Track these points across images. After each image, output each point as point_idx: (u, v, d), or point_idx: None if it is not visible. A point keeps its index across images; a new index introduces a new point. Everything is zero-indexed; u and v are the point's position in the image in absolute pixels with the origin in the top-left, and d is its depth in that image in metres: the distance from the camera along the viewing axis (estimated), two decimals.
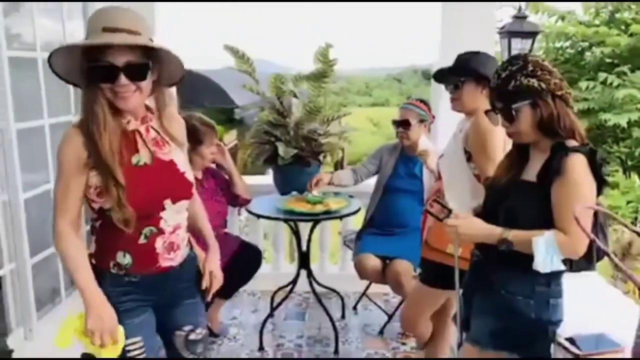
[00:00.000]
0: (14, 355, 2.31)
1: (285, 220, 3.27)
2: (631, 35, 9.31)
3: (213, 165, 3.21)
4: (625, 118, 8.77)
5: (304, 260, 3.35)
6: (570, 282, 1.73)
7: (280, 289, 3.54)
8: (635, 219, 7.64)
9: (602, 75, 9.10)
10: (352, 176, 3.38)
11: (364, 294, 3.71)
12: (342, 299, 3.67)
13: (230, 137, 12.52)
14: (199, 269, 1.78)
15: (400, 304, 3.30)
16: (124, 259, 1.61)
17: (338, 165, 5.46)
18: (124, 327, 1.57)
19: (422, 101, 3.18)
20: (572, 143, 1.61)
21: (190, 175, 1.70)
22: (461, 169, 2.29)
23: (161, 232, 1.63)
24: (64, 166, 1.54)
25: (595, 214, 1.59)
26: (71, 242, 1.55)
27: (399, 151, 3.28)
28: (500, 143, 2.09)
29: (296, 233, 3.34)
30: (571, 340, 1.67)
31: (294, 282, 3.38)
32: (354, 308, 3.74)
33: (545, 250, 1.56)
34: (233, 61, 3.39)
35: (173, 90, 1.75)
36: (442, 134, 3.36)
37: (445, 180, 2.37)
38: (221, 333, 3.35)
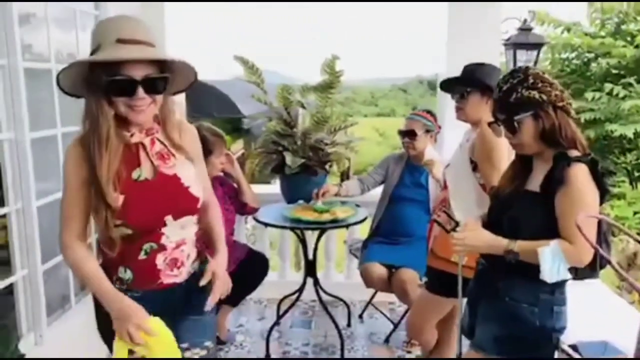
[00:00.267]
0: None
1: (292, 229, 3.30)
2: (637, 46, 9.31)
3: (221, 174, 3.25)
4: (632, 129, 8.75)
5: (310, 269, 3.38)
6: (574, 290, 1.75)
7: (286, 297, 3.56)
8: None
9: (608, 86, 9.10)
10: (358, 186, 3.42)
11: (369, 302, 3.73)
12: (348, 307, 3.69)
13: (237, 147, 12.58)
14: (210, 285, 1.67)
15: (405, 312, 3.32)
16: (125, 274, 1.59)
17: (344, 175, 5.51)
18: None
19: (428, 112, 3.23)
20: (574, 153, 1.64)
21: (196, 190, 1.62)
22: (467, 179, 2.32)
23: (162, 248, 1.59)
24: (68, 180, 1.52)
25: (599, 222, 1.61)
26: (78, 253, 1.53)
27: (405, 161, 3.32)
28: (505, 153, 2.12)
29: (303, 241, 3.37)
30: (574, 347, 1.69)
31: (300, 290, 3.40)
32: (360, 316, 3.76)
33: (552, 260, 1.59)
34: (241, 71, 3.45)
35: (179, 98, 1.70)
36: (448, 144, 3.40)
37: (451, 189, 2.41)
38: (228, 340, 3.38)
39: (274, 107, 3.46)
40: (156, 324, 1.48)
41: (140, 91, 1.44)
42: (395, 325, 3.46)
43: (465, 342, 1.98)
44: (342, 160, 3.60)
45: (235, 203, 3.24)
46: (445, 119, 3.38)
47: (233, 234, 3.37)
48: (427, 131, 3.14)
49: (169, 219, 1.57)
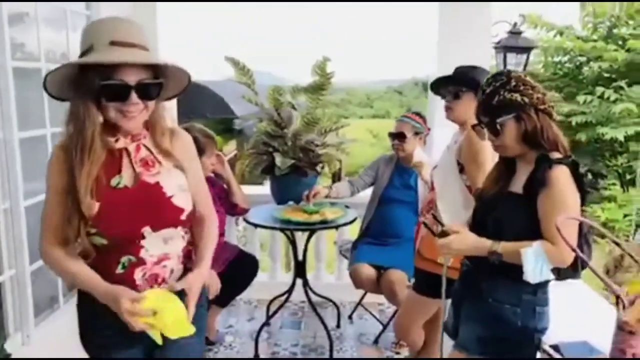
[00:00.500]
0: None
1: (282, 230, 3.32)
2: (628, 50, 9.39)
3: (212, 175, 3.26)
4: (622, 132, 8.82)
5: (299, 270, 3.39)
6: (557, 291, 1.77)
7: (276, 297, 3.57)
8: (634, 231, 7.67)
9: (599, 90, 9.17)
10: (349, 188, 3.44)
11: (359, 303, 3.75)
12: (338, 308, 3.71)
13: (230, 148, 12.60)
14: (200, 309, 1.54)
15: (395, 313, 3.34)
16: None
17: (336, 176, 5.52)
18: None
19: (417, 114, 3.25)
20: (555, 155, 1.66)
21: (180, 200, 1.52)
22: (454, 180, 2.34)
23: (141, 262, 1.48)
24: (49, 185, 1.47)
25: (580, 224, 1.63)
26: (56, 257, 1.47)
27: (395, 162, 3.34)
28: (491, 155, 2.13)
29: (292, 242, 3.39)
30: (556, 347, 1.70)
31: (289, 291, 3.41)
32: (350, 317, 3.77)
33: (535, 261, 1.60)
34: (233, 72, 3.47)
35: (170, 102, 1.62)
36: (437, 146, 3.42)
37: (438, 191, 2.42)
38: (217, 341, 3.39)
39: (265, 108, 3.47)
40: (152, 292, 1.41)
41: (134, 96, 1.39)
42: (385, 326, 3.48)
43: (450, 343, 2.00)
44: (333, 161, 3.62)
45: (226, 204, 3.25)
46: (435, 120, 3.40)
47: (224, 235, 3.38)
48: (417, 133, 3.16)
49: (147, 230, 1.47)
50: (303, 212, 3.19)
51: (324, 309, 3.70)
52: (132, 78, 1.38)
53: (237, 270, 3.18)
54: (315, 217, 3.14)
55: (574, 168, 1.62)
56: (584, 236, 1.67)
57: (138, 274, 1.49)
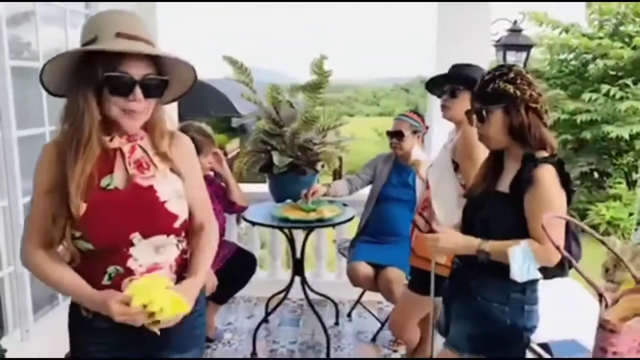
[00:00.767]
0: (10, 356, 2.37)
1: (280, 228, 3.33)
2: (634, 48, 9.34)
3: (210, 173, 3.28)
4: (628, 130, 8.79)
5: (297, 267, 3.40)
6: (546, 289, 1.77)
7: (274, 295, 3.59)
8: (635, 230, 7.64)
9: (605, 87, 9.14)
10: (347, 186, 3.44)
11: (358, 301, 3.76)
12: (336, 306, 3.72)
13: (233, 146, 12.63)
14: (198, 318, 1.52)
15: None
16: None
17: (336, 174, 5.53)
18: None
19: (415, 112, 3.25)
20: (542, 154, 1.66)
21: (175, 206, 1.43)
22: (449, 179, 2.34)
23: (129, 272, 1.38)
24: (36, 184, 1.39)
25: (567, 222, 1.63)
26: (39, 260, 1.39)
27: (393, 161, 3.34)
28: (484, 154, 2.14)
29: (291, 240, 3.40)
30: (545, 346, 1.71)
31: (287, 288, 3.43)
32: (348, 315, 3.78)
33: (522, 260, 1.61)
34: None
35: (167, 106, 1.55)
36: (436, 144, 3.41)
37: (433, 189, 2.42)
38: (216, 338, 3.41)
39: (264, 107, 3.48)
40: (134, 287, 1.33)
41: (138, 91, 1.33)
42: (382, 324, 3.49)
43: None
44: (332, 159, 3.62)
45: (223, 202, 3.26)
46: (434, 119, 3.39)
47: (224, 234, 3.39)
48: (414, 132, 3.16)
49: (136, 236, 1.38)
50: (301, 210, 3.20)
51: (323, 307, 3.72)
52: (137, 72, 1.33)
53: (235, 267, 3.20)
54: (313, 215, 3.15)
55: (559, 167, 1.63)
56: (572, 234, 1.67)
57: (126, 286, 1.38)
